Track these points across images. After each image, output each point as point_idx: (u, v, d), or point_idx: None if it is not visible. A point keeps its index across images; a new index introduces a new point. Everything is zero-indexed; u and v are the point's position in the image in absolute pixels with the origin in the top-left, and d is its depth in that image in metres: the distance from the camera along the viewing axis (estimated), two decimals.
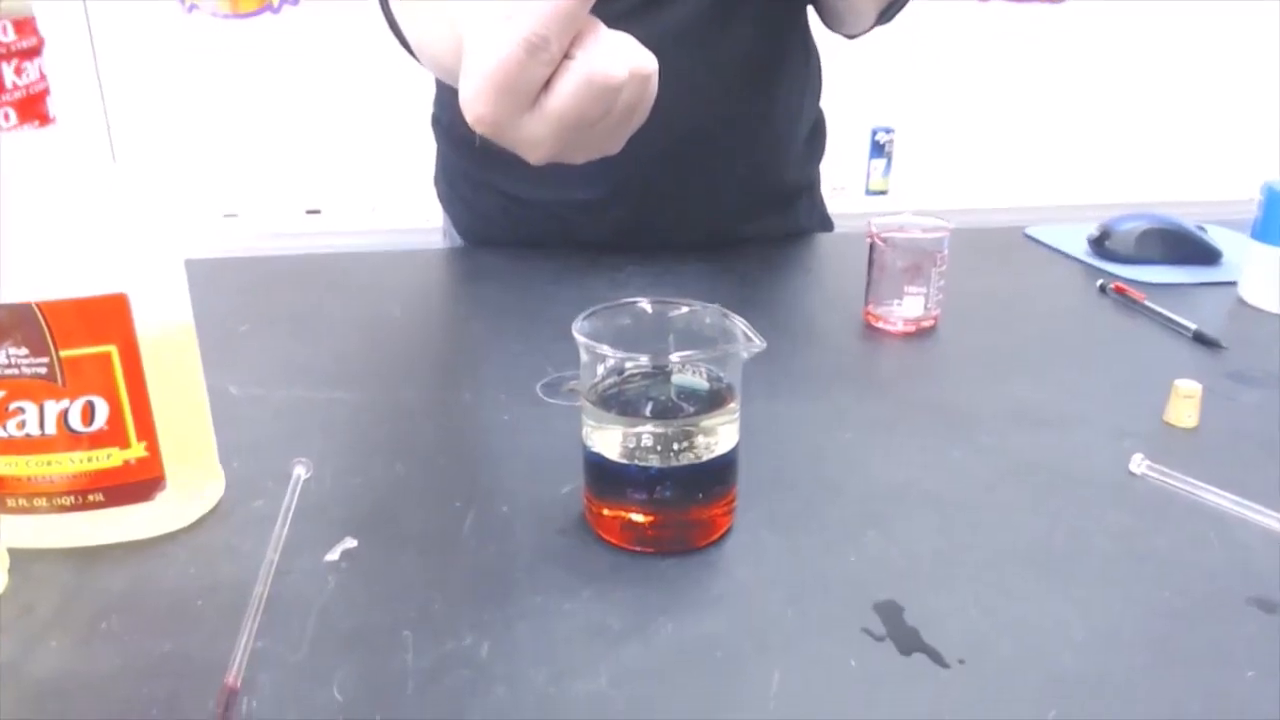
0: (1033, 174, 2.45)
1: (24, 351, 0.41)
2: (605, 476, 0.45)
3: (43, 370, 0.41)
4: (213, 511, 0.47)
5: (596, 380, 0.44)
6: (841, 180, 2.35)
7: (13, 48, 0.40)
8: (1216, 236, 0.88)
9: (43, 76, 0.41)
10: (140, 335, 0.42)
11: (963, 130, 2.38)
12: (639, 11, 0.80)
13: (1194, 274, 0.84)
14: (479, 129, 0.42)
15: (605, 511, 0.45)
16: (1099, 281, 0.81)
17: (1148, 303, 0.75)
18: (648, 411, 0.44)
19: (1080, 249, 0.90)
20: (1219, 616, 0.40)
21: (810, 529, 0.46)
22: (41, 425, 0.42)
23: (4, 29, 0.40)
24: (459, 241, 1.00)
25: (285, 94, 2.06)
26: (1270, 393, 0.61)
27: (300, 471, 0.50)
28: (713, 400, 0.44)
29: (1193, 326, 0.70)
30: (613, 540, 0.45)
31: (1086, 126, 2.46)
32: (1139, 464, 0.51)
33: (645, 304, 0.47)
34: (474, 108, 0.41)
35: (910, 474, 0.51)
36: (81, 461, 0.43)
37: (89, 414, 0.42)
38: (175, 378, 0.45)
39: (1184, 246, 0.87)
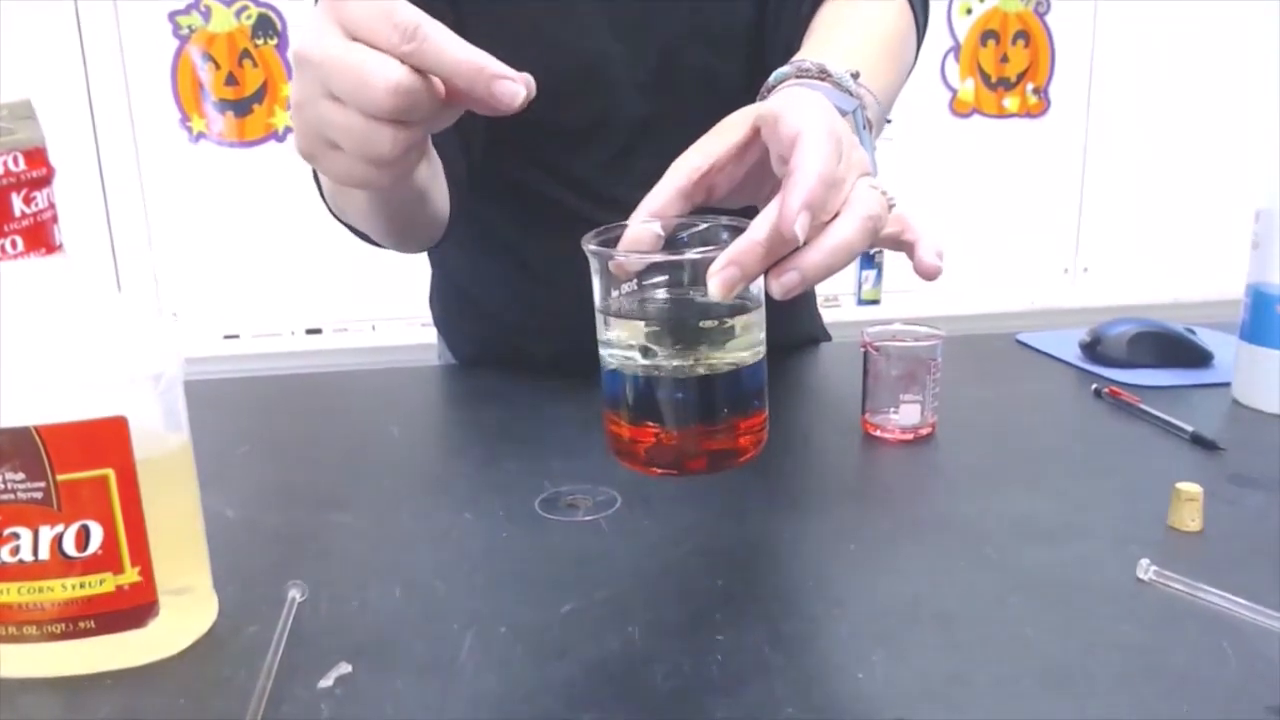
0: (1020, 279, 2.50)
1: (21, 476, 0.41)
2: (626, 393, 0.43)
3: (39, 495, 0.41)
4: (205, 637, 0.46)
5: (615, 295, 0.43)
6: (834, 291, 2.39)
7: (23, 178, 0.41)
8: (1206, 339, 0.89)
9: (51, 205, 0.42)
10: (138, 458, 0.42)
11: (949, 238, 2.44)
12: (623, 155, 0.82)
13: (1186, 376, 0.84)
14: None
15: (626, 433, 0.43)
16: (1093, 386, 0.82)
17: (1143, 406, 0.76)
18: (665, 318, 0.43)
19: (1072, 354, 0.91)
20: None
21: (816, 648, 0.45)
22: (35, 551, 0.42)
23: (15, 159, 0.41)
24: (452, 360, 1.01)
25: (287, 217, 2.10)
26: (1273, 494, 0.60)
27: (295, 595, 0.49)
28: (734, 309, 0.43)
29: (1190, 429, 0.70)
30: (636, 467, 0.43)
31: (1069, 233, 2.52)
32: (1146, 570, 0.50)
33: (658, 225, 0.46)
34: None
35: (917, 589, 0.50)
36: (74, 588, 0.42)
37: (83, 539, 0.42)
38: (171, 501, 0.45)
39: (1175, 349, 0.87)
